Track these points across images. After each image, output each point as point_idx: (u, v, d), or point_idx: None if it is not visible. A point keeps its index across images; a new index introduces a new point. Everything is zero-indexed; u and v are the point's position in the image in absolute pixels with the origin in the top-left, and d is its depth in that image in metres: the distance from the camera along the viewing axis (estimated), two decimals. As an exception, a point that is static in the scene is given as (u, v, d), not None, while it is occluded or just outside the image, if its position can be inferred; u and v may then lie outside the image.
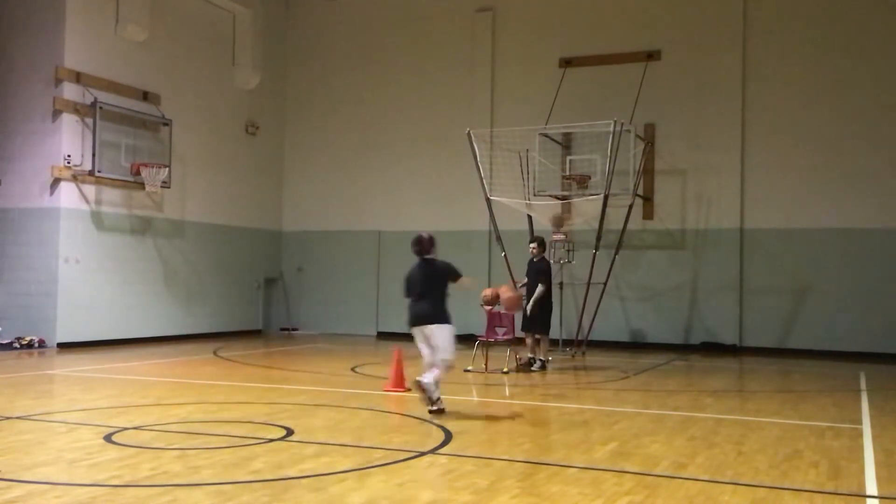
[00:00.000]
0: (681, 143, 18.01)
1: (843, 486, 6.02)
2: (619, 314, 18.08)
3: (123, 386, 10.82)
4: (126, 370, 12.53)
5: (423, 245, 9.33)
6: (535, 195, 16.67)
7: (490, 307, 13.21)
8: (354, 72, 20.86)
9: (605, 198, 15.15)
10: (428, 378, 8.73)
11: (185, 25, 18.46)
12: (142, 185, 16.62)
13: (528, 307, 13.16)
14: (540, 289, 13.23)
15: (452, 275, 9.28)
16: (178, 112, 17.87)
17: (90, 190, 16.07)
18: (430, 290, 9.08)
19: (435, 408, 8.74)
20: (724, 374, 13.82)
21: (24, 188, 15.66)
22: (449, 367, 9.01)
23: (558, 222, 16.31)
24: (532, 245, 13.72)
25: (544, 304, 13.38)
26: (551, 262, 14.80)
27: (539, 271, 13.44)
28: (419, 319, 9.01)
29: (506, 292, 11.53)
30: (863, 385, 12.18)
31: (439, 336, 8.91)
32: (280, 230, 21.46)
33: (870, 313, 16.57)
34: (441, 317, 8.99)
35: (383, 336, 19.80)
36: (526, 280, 13.64)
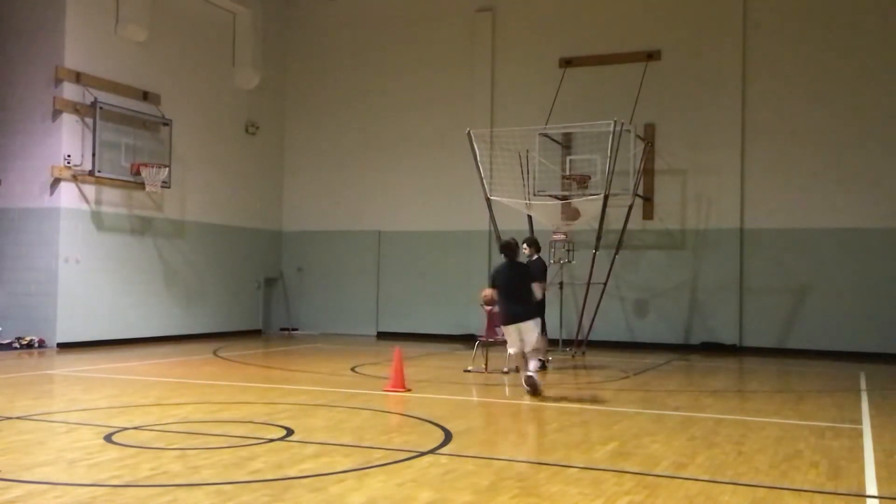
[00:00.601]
0: (681, 143, 18.01)
1: (843, 486, 6.01)
2: (619, 314, 18.08)
3: (123, 386, 10.82)
4: (126, 370, 12.53)
5: (513, 250, 10.53)
6: (535, 195, 16.67)
7: (490, 307, 13.21)
8: (354, 72, 20.86)
9: (605, 198, 15.15)
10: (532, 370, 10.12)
11: (185, 25, 18.46)
12: (142, 185, 16.62)
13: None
14: (541, 286, 13.18)
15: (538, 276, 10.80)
16: (178, 112, 17.87)
17: (90, 190, 16.08)
18: (519, 290, 10.32)
19: (538, 392, 10.04)
20: (724, 374, 13.82)
21: (24, 188, 15.66)
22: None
23: (573, 215, 16.22)
24: (524, 246, 13.65)
25: (539, 304, 13.29)
26: (549, 262, 14.82)
27: (535, 271, 13.36)
28: (514, 318, 10.22)
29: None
30: (863, 385, 12.18)
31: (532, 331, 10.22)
32: (280, 230, 21.46)
33: (870, 313, 16.57)
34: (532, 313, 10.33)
35: (383, 336, 19.79)
36: None
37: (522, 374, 10.28)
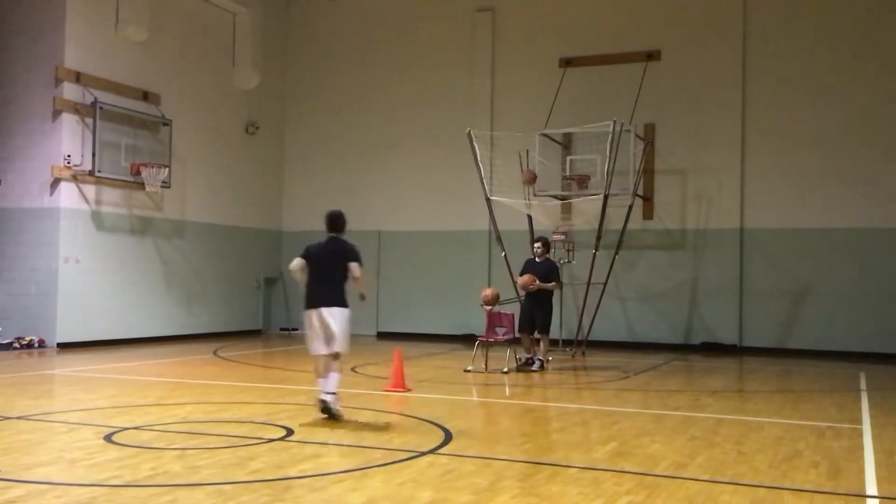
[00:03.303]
0: (681, 143, 18.01)
1: (843, 486, 6.01)
2: (619, 314, 18.08)
3: (123, 386, 10.82)
4: (126, 370, 12.52)
5: (337, 223, 8.64)
6: (535, 195, 16.67)
7: (490, 307, 13.23)
8: (354, 72, 20.86)
9: (605, 198, 15.15)
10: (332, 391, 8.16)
11: (185, 25, 18.45)
12: (142, 185, 16.62)
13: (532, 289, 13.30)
14: (553, 284, 13.29)
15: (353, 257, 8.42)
16: (178, 112, 17.87)
17: (90, 190, 16.07)
18: (331, 271, 8.38)
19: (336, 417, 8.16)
20: (724, 374, 13.82)
21: (24, 188, 15.65)
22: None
23: (530, 178, 16.26)
24: (537, 245, 13.71)
25: (548, 305, 13.36)
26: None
27: (549, 270, 13.43)
28: (317, 301, 8.31)
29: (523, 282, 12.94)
30: (863, 385, 12.18)
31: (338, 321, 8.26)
32: (280, 230, 21.45)
33: (870, 313, 16.56)
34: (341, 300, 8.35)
35: (383, 336, 19.79)
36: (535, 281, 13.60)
37: (321, 390, 8.25)
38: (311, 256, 8.51)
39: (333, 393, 8.17)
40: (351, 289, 8.46)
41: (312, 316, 8.30)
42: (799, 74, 17.38)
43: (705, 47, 17.92)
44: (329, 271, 8.38)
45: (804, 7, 17.49)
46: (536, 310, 13.26)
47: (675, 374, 13.61)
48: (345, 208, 19.31)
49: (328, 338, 8.24)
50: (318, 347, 8.28)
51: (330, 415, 8.13)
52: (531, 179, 16.20)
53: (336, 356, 8.27)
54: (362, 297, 8.65)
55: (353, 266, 8.36)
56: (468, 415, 9.24)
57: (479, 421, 8.99)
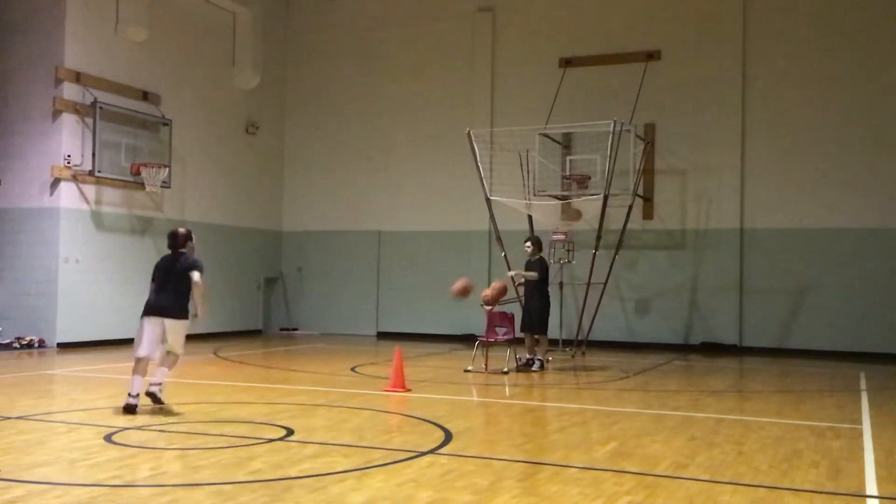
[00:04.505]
0: (681, 143, 18.02)
1: (843, 486, 6.01)
2: (619, 314, 18.08)
3: (123, 386, 10.77)
4: (126, 370, 12.38)
5: (176, 240, 9.16)
6: (535, 195, 16.67)
7: (490, 307, 13.23)
8: (354, 71, 20.86)
9: (605, 198, 15.15)
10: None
11: (185, 25, 18.45)
12: (142, 185, 16.62)
13: (515, 279, 13.35)
14: (532, 273, 13.21)
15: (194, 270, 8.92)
16: (178, 112, 17.87)
17: (90, 190, 16.07)
18: (176, 281, 8.86)
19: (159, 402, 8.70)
20: (724, 374, 13.82)
21: (24, 188, 15.65)
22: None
23: (574, 216, 16.29)
24: (526, 244, 13.68)
25: (541, 303, 13.32)
26: (551, 262, 14.81)
27: (534, 267, 13.38)
28: (159, 310, 8.78)
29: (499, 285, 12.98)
30: (863, 385, 12.18)
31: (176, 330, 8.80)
32: (280, 230, 21.45)
33: (870, 313, 16.57)
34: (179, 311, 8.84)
35: (383, 336, 19.79)
36: (523, 280, 13.63)
37: (147, 384, 8.73)
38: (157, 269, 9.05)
39: (160, 383, 8.79)
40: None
41: (149, 322, 8.79)
42: (799, 74, 17.38)
43: (705, 47, 17.93)
44: (170, 282, 8.89)
45: (804, 7, 17.49)
46: (528, 309, 13.27)
47: (675, 374, 13.61)
48: (345, 208, 19.46)
49: (157, 343, 8.79)
50: (144, 351, 8.79)
51: (155, 401, 8.69)
52: (575, 217, 16.34)
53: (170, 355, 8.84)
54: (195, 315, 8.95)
55: (195, 275, 8.83)
56: (468, 415, 9.24)
57: (479, 421, 8.99)
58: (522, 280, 13.65)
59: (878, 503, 5.73)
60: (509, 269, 15.39)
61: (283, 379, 12.04)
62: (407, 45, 20.43)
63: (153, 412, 8.53)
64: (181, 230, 9.30)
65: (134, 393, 8.54)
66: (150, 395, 8.66)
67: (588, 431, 8.20)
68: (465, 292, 12.73)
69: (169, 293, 8.79)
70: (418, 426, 8.19)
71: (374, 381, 11.57)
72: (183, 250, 9.12)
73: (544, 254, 14.01)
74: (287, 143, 21.57)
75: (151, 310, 8.78)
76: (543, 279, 13.37)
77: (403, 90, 20.38)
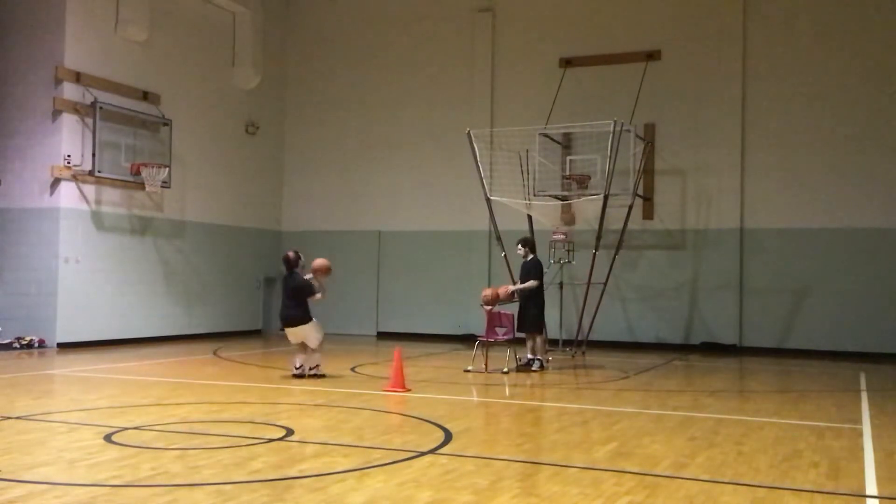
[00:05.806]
0: (681, 143, 18.02)
1: (843, 486, 6.01)
2: (620, 314, 18.08)
3: (123, 386, 10.82)
4: (126, 370, 12.52)
5: (289, 263, 11.61)
6: (535, 195, 16.67)
7: (490, 307, 13.22)
8: (354, 72, 20.87)
9: (605, 198, 15.14)
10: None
11: (185, 25, 18.46)
12: (142, 185, 16.62)
13: (516, 294, 13.30)
14: (531, 283, 13.18)
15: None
16: (178, 112, 17.87)
17: (90, 190, 16.07)
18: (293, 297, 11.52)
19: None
20: (724, 374, 13.82)
21: (24, 188, 15.65)
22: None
23: (570, 220, 16.33)
24: (518, 247, 13.63)
25: (535, 304, 13.28)
26: (550, 262, 14.81)
27: (528, 270, 13.38)
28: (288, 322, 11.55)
29: (503, 290, 13.13)
30: (863, 385, 12.18)
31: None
32: (280, 230, 21.45)
33: (870, 313, 16.57)
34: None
35: (383, 336, 19.79)
36: (519, 281, 13.59)
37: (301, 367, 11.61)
38: None
39: (317, 365, 11.55)
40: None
41: (287, 332, 11.79)
42: (799, 74, 17.38)
43: (705, 47, 17.93)
44: (289, 297, 11.66)
45: (804, 7, 17.49)
46: (523, 309, 13.25)
47: (675, 374, 13.61)
48: (345, 208, 19.59)
49: (299, 340, 11.76)
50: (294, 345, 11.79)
51: (316, 377, 11.23)
52: (570, 221, 16.55)
53: None
54: None
55: None
56: (468, 415, 9.24)
57: (479, 421, 8.99)
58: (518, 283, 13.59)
59: (878, 503, 5.73)
60: (509, 270, 15.42)
61: (283, 379, 12.03)
62: (407, 45, 20.43)
63: (153, 412, 8.52)
64: (290, 254, 11.74)
65: (297, 365, 11.63)
66: (312, 375, 11.50)
67: (588, 431, 8.20)
68: (494, 300, 12.99)
69: (290, 307, 11.53)
70: (418, 426, 8.19)
71: (374, 381, 11.58)
72: (295, 269, 11.56)
73: (543, 254, 14.00)
74: (287, 143, 21.57)
75: (281, 321, 11.74)
76: (539, 277, 13.37)
77: (403, 90, 20.38)
